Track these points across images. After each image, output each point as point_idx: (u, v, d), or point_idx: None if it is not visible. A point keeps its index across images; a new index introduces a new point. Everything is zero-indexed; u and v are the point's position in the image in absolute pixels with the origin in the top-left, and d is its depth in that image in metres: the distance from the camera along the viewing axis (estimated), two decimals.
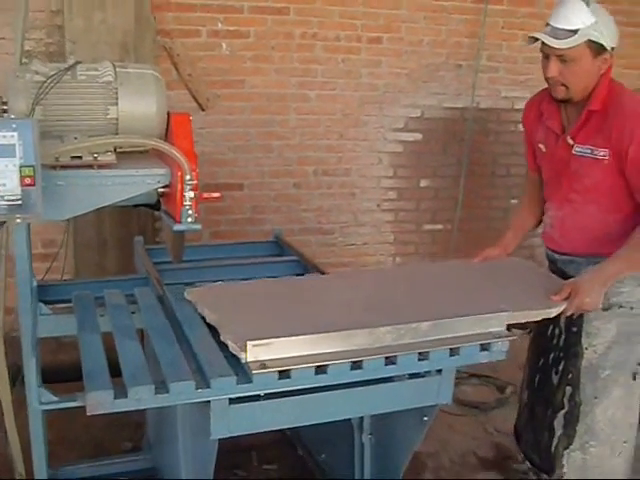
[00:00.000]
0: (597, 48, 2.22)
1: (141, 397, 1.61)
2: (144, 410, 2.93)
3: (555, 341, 2.54)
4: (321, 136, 4.38)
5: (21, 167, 1.80)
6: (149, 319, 2.02)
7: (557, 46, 2.19)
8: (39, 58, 3.70)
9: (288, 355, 1.74)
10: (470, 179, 4.67)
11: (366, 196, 4.60)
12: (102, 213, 2.33)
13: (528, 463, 2.71)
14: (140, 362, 1.74)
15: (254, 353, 1.70)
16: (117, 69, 2.23)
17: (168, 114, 2.29)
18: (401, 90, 4.46)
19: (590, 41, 2.20)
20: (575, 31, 2.18)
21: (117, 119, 2.20)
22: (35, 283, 2.16)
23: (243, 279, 2.51)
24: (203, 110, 4.02)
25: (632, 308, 2.39)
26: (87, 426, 3.30)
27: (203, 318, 2.03)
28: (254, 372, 1.68)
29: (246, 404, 1.74)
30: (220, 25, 3.99)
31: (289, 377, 1.72)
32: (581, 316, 2.38)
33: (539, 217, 2.67)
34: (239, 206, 4.23)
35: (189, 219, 2.16)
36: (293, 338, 1.77)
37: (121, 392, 1.61)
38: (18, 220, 1.88)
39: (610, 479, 2.48)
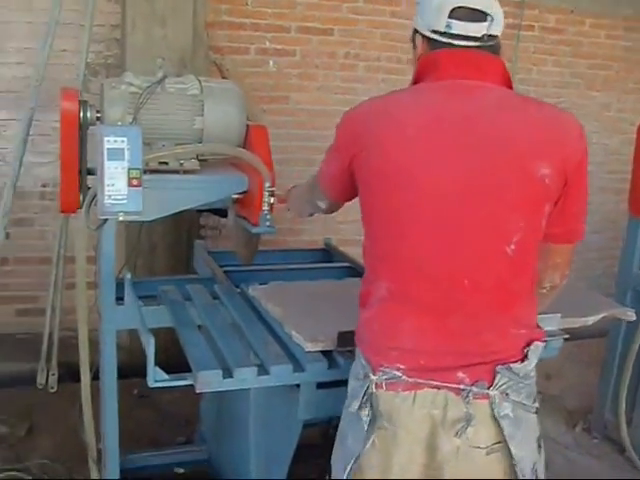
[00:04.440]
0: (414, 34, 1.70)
1: (245, 377, 1.76)
2: (197, 407, 3.11)
3: None
4: None
5: (129, 169, 1.97)
6: (239, 314, 2.17)
7: None
8: (98, 70, 3.93)
9: None
10: None
11: None
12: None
13: None
14: (239, 350, 1.88)
15: (342, 341, 1.86)
16: (202, 83, 2.40)
17: (247, 126, 2.47)
18: None
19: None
20: None
21: (202, 129, 2.35)
22: (129, 276, 2.32)
23: None
24: None
25: None
26: (140, 422, 3.41)
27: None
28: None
29: (332, 389, 1.87)
30: (268, 43, 4.17)
31: None
32: None
33: None
34: (281, 217, 4.36)
35: (267, 223, 2.35)
36: None
37: (227, 373, 1.77)
38: (120, 218, 2.04)
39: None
